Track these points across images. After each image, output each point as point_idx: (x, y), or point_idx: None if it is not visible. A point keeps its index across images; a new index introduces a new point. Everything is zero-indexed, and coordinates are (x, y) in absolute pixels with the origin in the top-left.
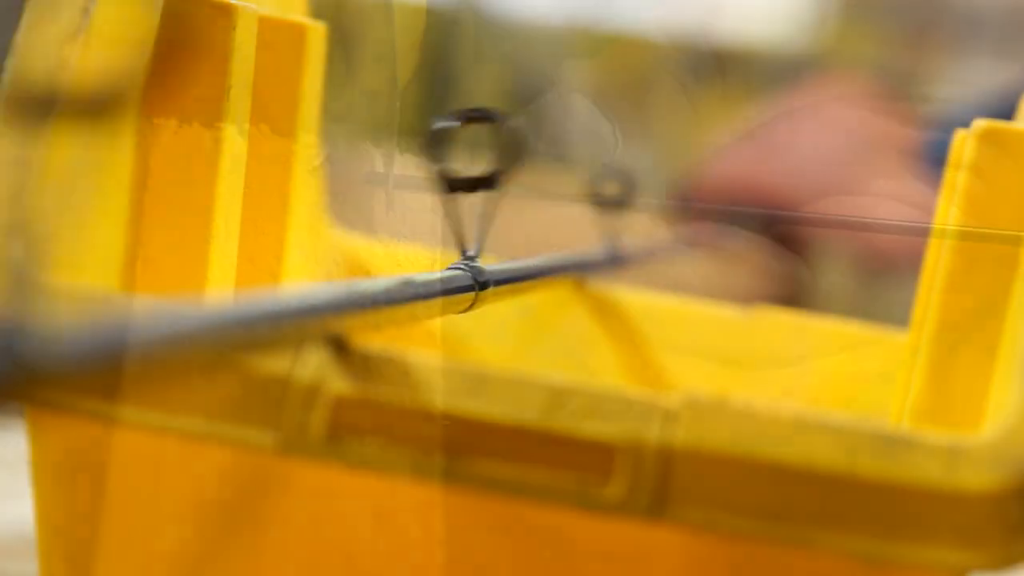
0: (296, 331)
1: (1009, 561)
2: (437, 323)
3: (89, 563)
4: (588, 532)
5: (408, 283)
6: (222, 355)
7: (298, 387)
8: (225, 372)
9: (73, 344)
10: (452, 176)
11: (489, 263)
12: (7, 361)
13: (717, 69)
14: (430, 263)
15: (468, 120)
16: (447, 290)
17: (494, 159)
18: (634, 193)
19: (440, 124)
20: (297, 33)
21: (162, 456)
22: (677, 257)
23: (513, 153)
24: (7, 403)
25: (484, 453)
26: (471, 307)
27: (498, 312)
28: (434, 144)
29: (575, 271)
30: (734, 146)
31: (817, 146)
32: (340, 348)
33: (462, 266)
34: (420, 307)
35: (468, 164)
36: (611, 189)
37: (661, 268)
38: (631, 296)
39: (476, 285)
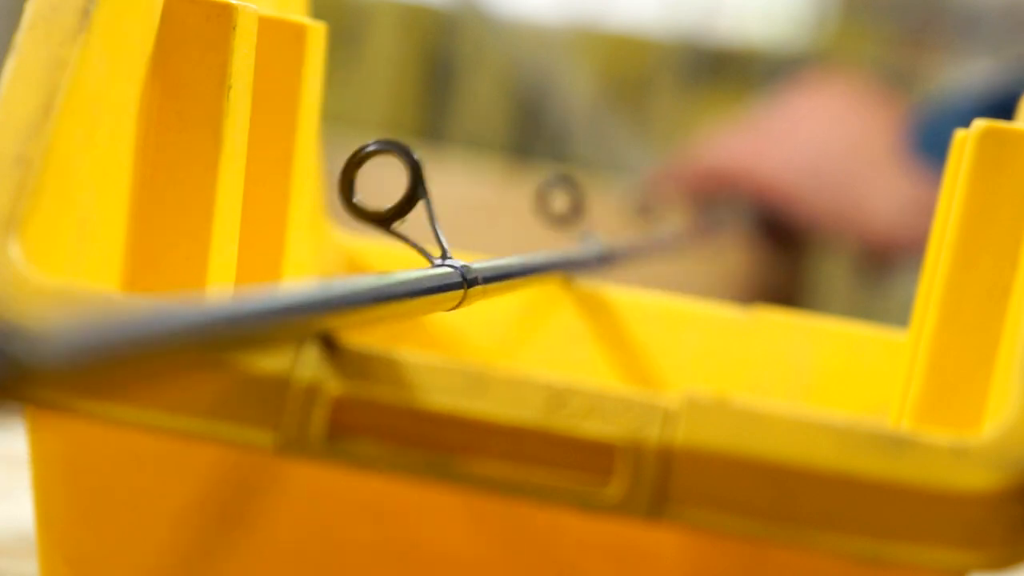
0: (286, 329)
1: (1009, 561)
2: (426, 321)
3: (89, 563)
4: (588, 532)
5: (396, 281)
6: (212, 353)
7: (298, 387)
8: (216, 371)
9: (67, 344)
10: (365, 210)
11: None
12: (3, 363)
13: (717, 69)
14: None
15: (377, 152)
16: (435, 288)
17: (406, 190)
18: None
19: (352, 158)
20: (297, 33)
21: (162, 456)
22: (667, 254)
23: (420, 183)
24: (5, 404)
25: (484, 453)
26: (459, 305)
27: (486, 309)
28: (346, 177)
29: (563, 269)
30: (729, 135)
31: (811, 137)
32: (330, 346)
33: (451, 264)
34: (408, 305)
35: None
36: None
37: (652, 265)
38: (624, 295)
39: (464, 283)
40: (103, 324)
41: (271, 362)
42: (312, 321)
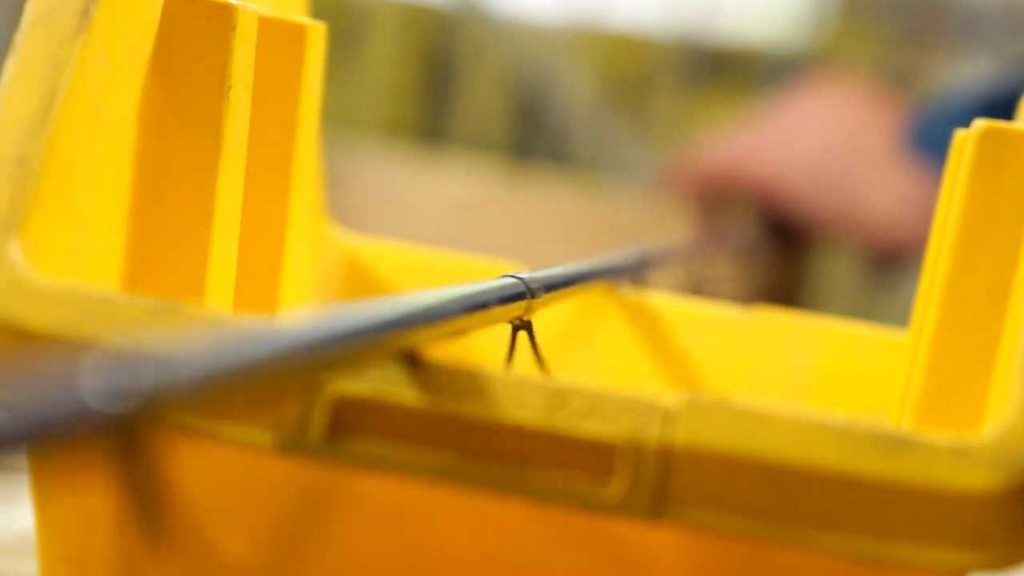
0: (374, 348)
1: (1009, 561)
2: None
3: (89, 563)
4: (588, 532)
5: (466, 294)
6: (306, 376)
7: (298, 387)
8: (303, 393)
9: (190, 369)
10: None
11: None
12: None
13: (717, 69)
14: (446, 265)
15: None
16: (502, 299)
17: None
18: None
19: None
20: (297, 33)
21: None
22: (703, 257)
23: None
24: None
25: (484, 453)
26: (523, 315)
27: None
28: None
29: (616, 275)
30: (730, 135)
31: (812, 136)
32: (413, 362)
33: (511, 275)
34: (478, 317)
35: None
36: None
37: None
38: (626, 295)
39: (528, 293)
40: (217, 348)
41: None
42: (395, 338)
